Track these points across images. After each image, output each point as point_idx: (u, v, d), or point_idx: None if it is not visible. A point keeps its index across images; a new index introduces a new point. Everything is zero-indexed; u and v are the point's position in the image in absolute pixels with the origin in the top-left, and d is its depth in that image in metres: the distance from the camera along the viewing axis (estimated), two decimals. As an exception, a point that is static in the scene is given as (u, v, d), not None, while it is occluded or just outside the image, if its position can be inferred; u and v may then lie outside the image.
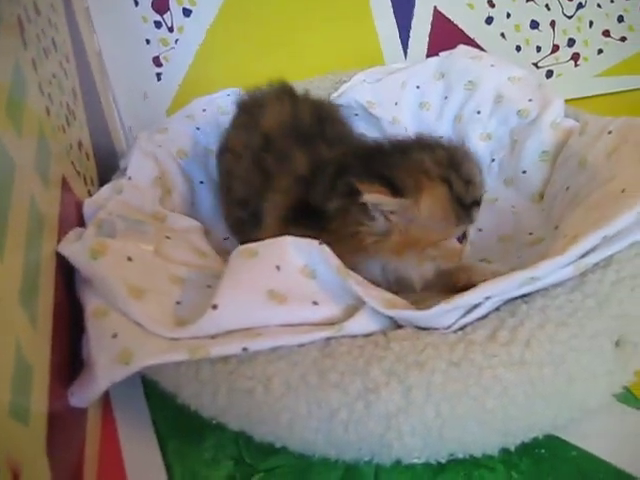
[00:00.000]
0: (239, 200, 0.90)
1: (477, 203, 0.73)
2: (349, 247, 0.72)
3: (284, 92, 0.98)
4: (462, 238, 0.82)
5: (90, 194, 0.90)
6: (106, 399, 0.72)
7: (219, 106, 1.17)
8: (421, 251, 0.74)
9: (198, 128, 1.11)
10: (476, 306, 0.61)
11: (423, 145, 0.76)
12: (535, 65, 1.56)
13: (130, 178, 0.91)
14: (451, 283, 0.77)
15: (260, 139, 0.89)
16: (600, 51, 1.56)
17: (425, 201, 0.70)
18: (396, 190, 0.70)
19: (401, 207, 0.70)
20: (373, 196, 0.68)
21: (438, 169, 0.72)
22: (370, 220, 0.71)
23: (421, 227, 0.72)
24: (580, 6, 1.49)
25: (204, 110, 1.14)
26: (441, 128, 1.21)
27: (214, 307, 0.61)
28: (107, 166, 1.07)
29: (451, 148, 0.76)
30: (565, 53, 1.55)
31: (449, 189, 0.71)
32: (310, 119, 0.91)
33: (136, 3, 1.28)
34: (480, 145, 1.12)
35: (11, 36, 0.68)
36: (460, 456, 0.60)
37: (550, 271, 0.59)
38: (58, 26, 0.96)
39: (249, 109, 0.98)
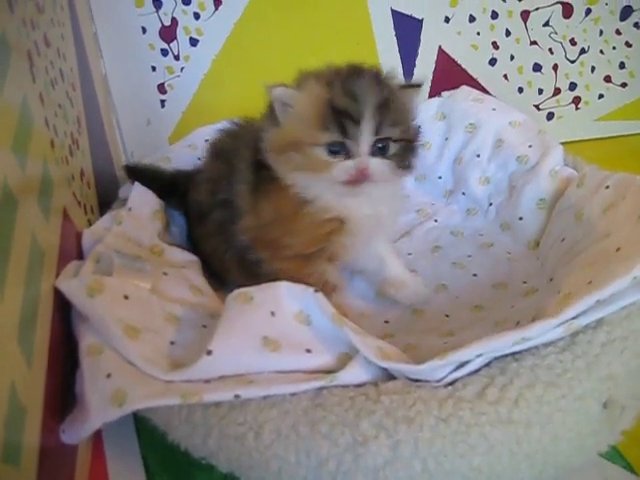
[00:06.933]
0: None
1: (351, 117, 0.73)
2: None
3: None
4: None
5: (90, 223, 0.91)
6: (97, 433, 0.72)
7: (221, 137, 1.17)
8: (293, 154, 0.77)
9: (199, 158, 1.11)
10: (468, 361, 0.61)
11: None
12: (536, 107, 1.57)
13: (130, 209, 0.92)
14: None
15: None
16: (601, 96, 1.58)
17: (304, 95, 0.76)
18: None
19: (290, 97, 0.77)
20: (276, 90, 0.76)
21: (329, 76, 0.77)
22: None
23: (295, 122, 0.77)
24: (583, 51, 1.51)
25: (206, 140, 1.15)
26: (441, 169, 1.22)
27: (208, 353, 0.61)
28: (108, 192, 1.07)
29: (355, 65, 0.79)
30: (566, 96, 1.57)
31: (328, 91, 0.75)
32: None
33: (144, 30, 1.28)
34: (479, 189, 1.13)
35: (20, 71, 0.69)
36: (445, 509, 0.60)
37: (542, 332, 0.60)
38: (66, 55, 0.96)
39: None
